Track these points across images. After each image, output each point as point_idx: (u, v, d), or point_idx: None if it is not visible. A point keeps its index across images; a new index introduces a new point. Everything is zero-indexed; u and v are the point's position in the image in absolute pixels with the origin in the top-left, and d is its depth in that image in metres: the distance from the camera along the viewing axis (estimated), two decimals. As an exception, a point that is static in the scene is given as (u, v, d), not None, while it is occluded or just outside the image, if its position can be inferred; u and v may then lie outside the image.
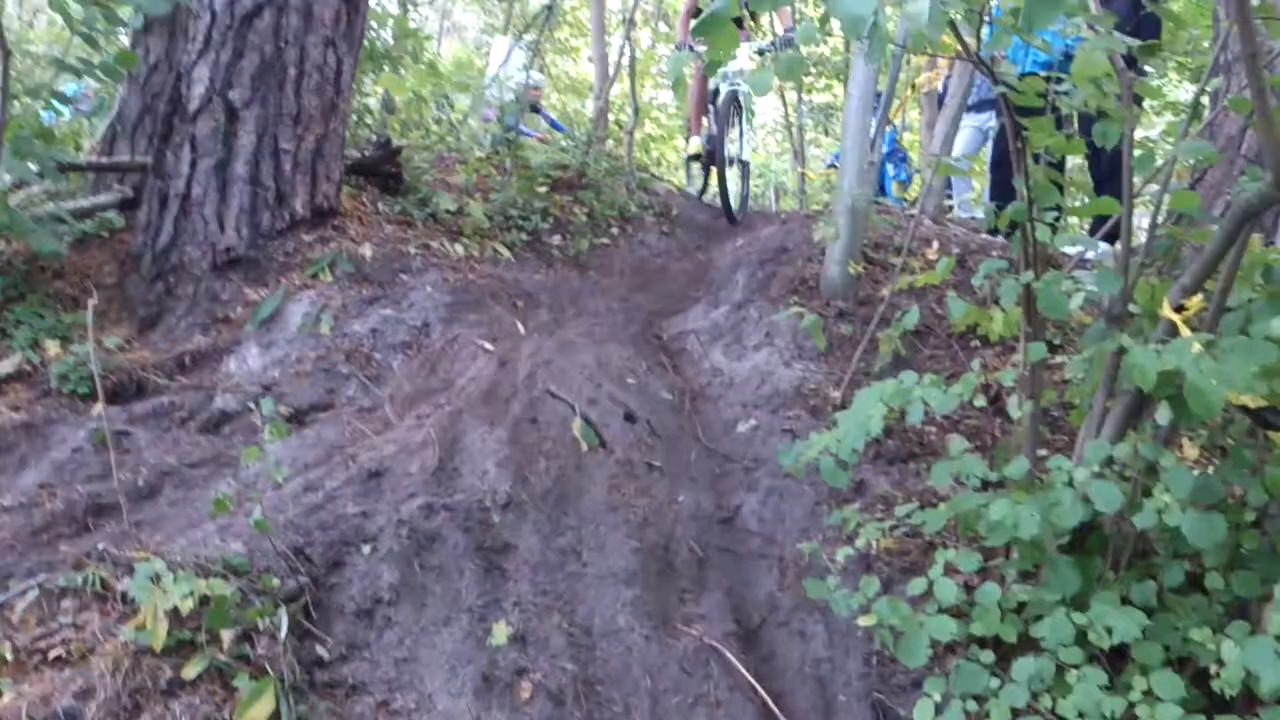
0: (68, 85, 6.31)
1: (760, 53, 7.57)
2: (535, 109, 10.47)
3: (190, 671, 2.69)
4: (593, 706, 2.92)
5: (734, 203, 7.95)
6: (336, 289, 4.71)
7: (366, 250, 5.02)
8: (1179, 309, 2.99)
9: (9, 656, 2.62)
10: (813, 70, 14.27)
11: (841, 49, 13.31)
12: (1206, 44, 9.31)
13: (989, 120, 8.32)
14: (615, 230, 6.87)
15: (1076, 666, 2.80)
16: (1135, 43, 2.98)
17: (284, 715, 2.67)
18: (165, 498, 3.68)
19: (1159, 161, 3.17)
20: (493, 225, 6.03)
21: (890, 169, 11.42)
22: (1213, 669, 2.69)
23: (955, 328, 4.95)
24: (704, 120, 8.47)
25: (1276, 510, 3.05)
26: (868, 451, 4.38)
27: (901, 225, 6.27)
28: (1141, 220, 6.10)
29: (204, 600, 2.84)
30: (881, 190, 10.23)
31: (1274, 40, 3.69)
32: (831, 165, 12.69)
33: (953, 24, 2.91)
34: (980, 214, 8.19)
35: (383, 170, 5.98)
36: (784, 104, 14.73)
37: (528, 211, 6.36)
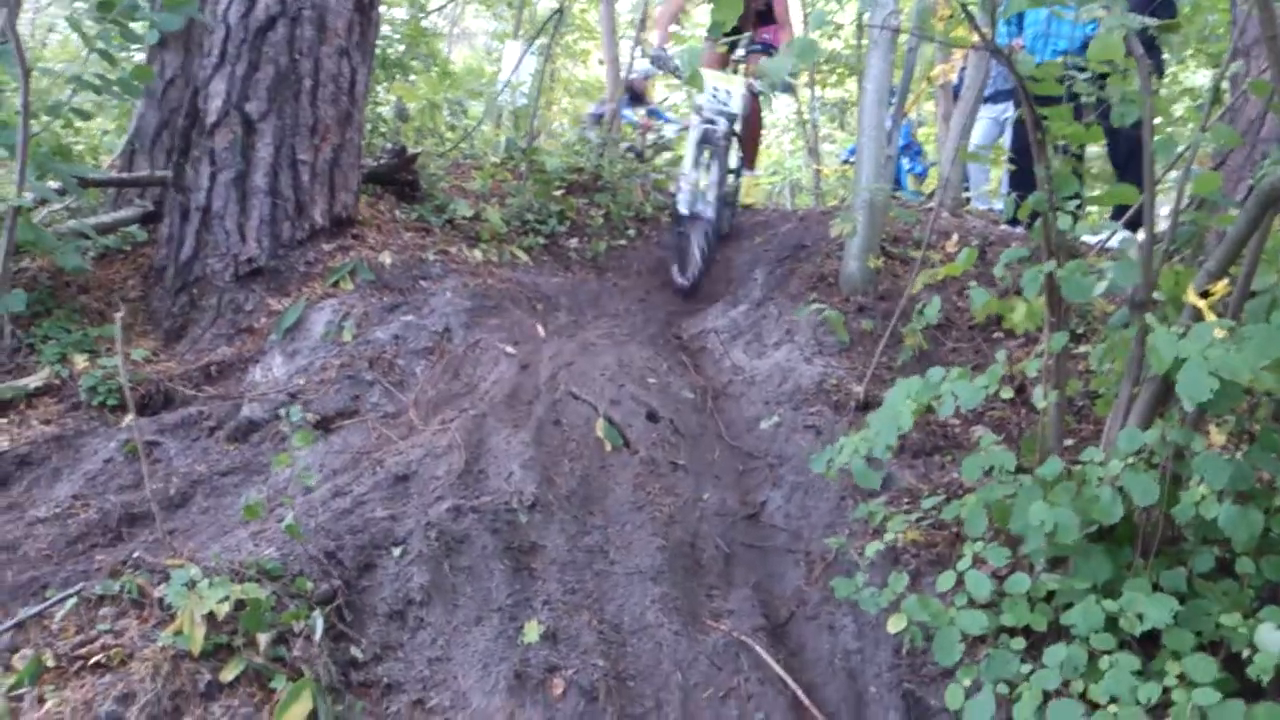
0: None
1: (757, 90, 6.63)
2: (639, 98, 10.66)
3: (228, 674, 2.72)
4: (625, 701, 2.94)
5: (683, 263, 6.03)
6: (358, 296, 4.74)
7: (386, 258, 5.06)
8: (1204, 295, 2.99)
9: (50, 664, 2.65)
10: (824, 66, 14.25)
11: (854, 43, 13.29)
12: (1223, 30, 9.28)
13: (1005, 111, 8.31)
14: (632, 231, 6.89)
15: (1109, 652, 2.80)
16: (1154, 22, 2.98)
17: (322, 715, 2.70)
18: (197, 505, 3.72)
19: (1180, 148, 3.18)
20: (510, 230, 6.06)
21: (906, 163, 11.43)
22: (1245, 654, 2.70)
23: (976, 319, 4.95)
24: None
25: (1307, 493, 3.06)
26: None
27: (920, 219, 6.28)
28: (1163, 207, 6.09)
29: (239, 605, 2.87)
30: (897, 184, 10.23)
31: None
32: (847, 161, 12.69)
33: (969, 14, 2.93)
34: (999, 205, 8.18)
35: (399, 178, 6.02)
36: (797, 100, 14.74)
37: (544, 215, 6.39)
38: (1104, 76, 3.27)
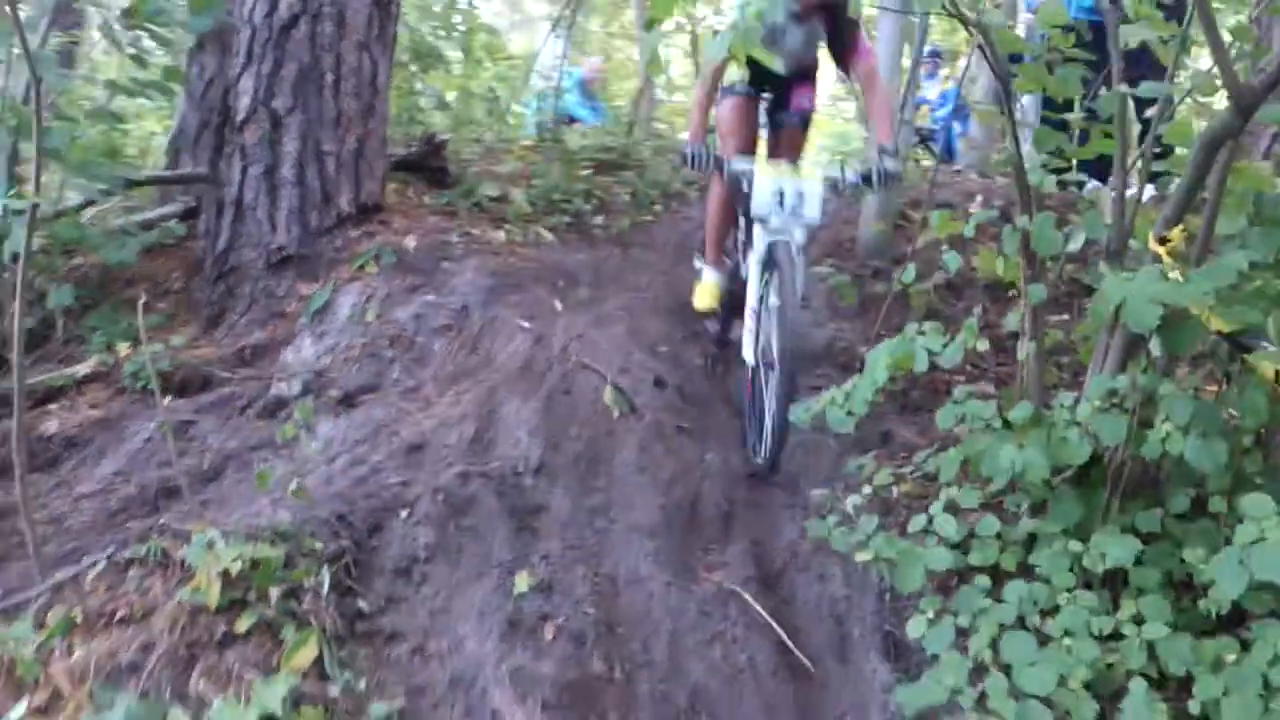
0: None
1: (848, 185, 4.31)
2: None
3: (241, 626, 2.96)
4: (612, 646, 3.12)
5: (758, 431, 4.10)
6: (382, 280, 4.97)
7: (410, 241, 5.29)
8: (1162, 241, 3.08)
9: (80, 619, 2.91)
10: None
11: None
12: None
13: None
14: (659, 208, 7.05)
15: (1070, 590, 2.93)
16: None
17: (326, 660, 2.92)
18: (228, 478, 3.98)
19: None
20: (535, 210, 6.25)
21: (957, 127, 11.33)
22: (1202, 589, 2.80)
23: (981, 277, 5.04)
24: (723, 251, 4.97)
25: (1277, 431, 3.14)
26: (894, 402, 4.52)
27: (940, 182, 6.33)
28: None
29: (254, 563, 3.11)
30: (948, 150, 10.15)
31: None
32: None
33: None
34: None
35: (428, 164, 6.25)
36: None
37: (570, 195, 6.57)
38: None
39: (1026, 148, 3.81)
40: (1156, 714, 2.56)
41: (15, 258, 4.73)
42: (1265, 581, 2.46)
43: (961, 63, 11.52)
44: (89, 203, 5.49)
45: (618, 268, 5.91)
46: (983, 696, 2.70)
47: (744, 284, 4.38)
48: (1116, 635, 2.80)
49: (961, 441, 3.46)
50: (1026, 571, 3.08)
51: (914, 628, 2.97)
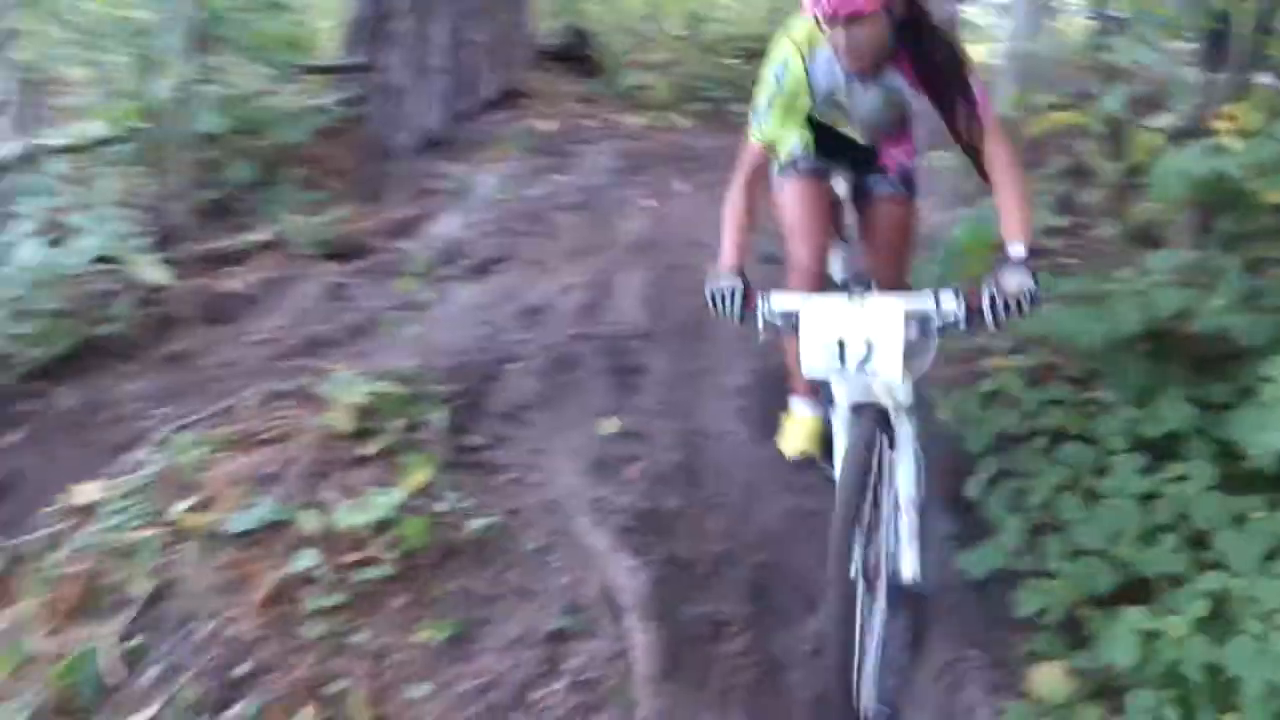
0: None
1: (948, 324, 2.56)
2: None
3: (367, 450, 3.47)
4: (689, 487, 3.50)
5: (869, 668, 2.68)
6: (520, 161, 5.40)
7: (549, 126, 5.68)
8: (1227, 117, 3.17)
9: (236, 438, 3.47)
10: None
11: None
12: None
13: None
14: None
15: (1120, 452, 3.11)
16: None
17: (438, 482, 3.41)
18: (373, 332, 4.49)
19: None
20: (675, 97, 6.53)
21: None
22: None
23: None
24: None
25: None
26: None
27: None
28: None
29: (382, 399, 3.61)
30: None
31: None
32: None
33: None
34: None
35: (574, 54, 6.60)
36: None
37: (711, 82, 6.81)
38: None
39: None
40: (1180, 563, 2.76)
41: (210, 137, 5.38)
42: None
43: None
44: (269, 89, 6.05)
45: (747, 154, 6.14)
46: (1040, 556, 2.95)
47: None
48: (1155, 494, 2.97)
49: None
50: (1084, 437, 3.27)
51: (972, 487, 3.23)
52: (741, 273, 2.91)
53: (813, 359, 2.61)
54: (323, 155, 5.90)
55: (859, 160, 3.20)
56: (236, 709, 2.70)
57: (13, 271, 4.20)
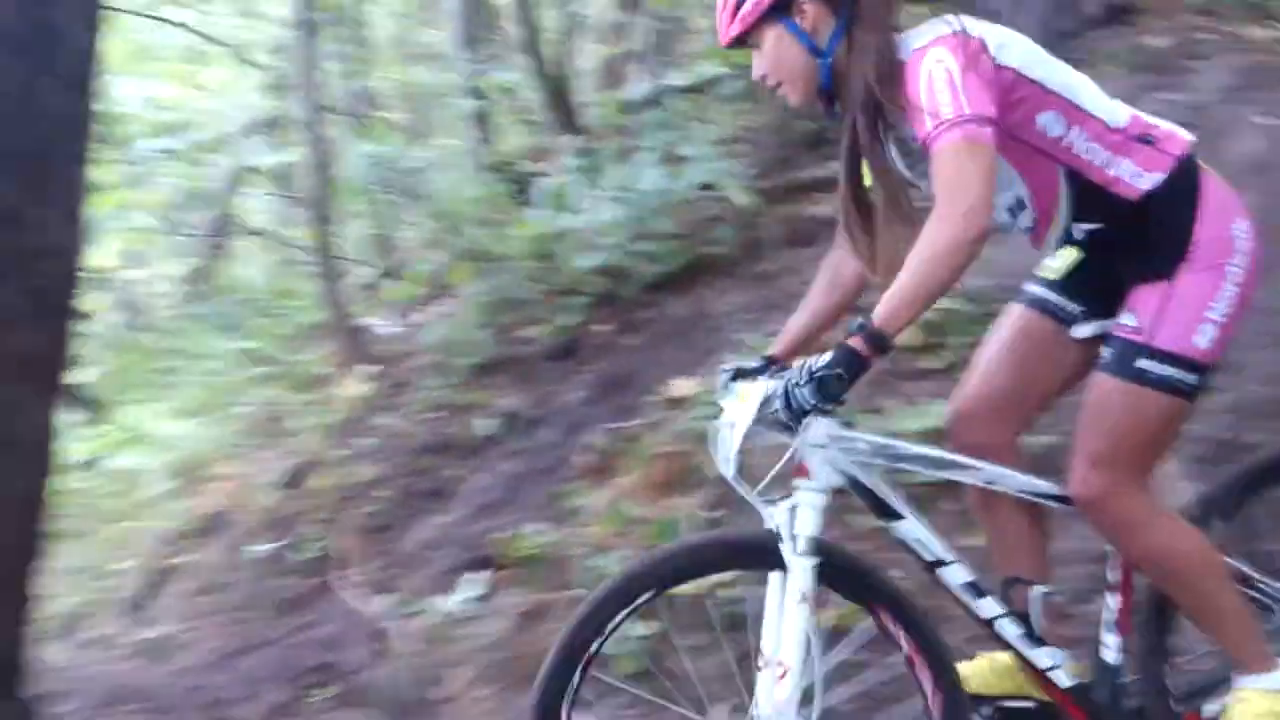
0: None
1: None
2: None
3: (931, 364, 3.62)
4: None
5: None
6: (1125, 80, 5.11)
7: (1159, 41, 5.31)
8: None
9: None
10: None
11: None
12: None
13: None
14: None
15: None
16: None
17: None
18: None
19: None
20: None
21: None
22: None
23: None
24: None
25: None
26: None
27: None
28: None
29: (950, 315, 3.74)
30: None
31: None
32: None
33: None
34: None
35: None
36: None
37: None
38: None
39: None
40: None
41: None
42: None
43: None
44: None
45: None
46: None
47: None
48: None
49: None
50: None
51: None
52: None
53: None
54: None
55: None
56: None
57: (636, 197, 4.87)
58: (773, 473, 2.10)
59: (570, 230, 5.37)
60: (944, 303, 3.75)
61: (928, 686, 2.13)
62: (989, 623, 2.18)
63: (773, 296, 4.61)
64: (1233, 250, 2.07)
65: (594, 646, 2.02)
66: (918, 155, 2.06)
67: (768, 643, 2.05)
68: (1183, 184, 2.11)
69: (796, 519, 2.04)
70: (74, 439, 6.34)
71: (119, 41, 6.48)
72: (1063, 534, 2.58)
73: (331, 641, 4.45)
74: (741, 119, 5.86)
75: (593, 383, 4.86)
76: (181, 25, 8.97)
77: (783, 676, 1.99)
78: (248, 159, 9.00)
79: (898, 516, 2.15)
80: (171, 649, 5.85)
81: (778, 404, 1.95)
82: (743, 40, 2.15)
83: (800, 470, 2.07)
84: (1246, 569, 2.28)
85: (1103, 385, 2.09)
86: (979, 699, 2.31)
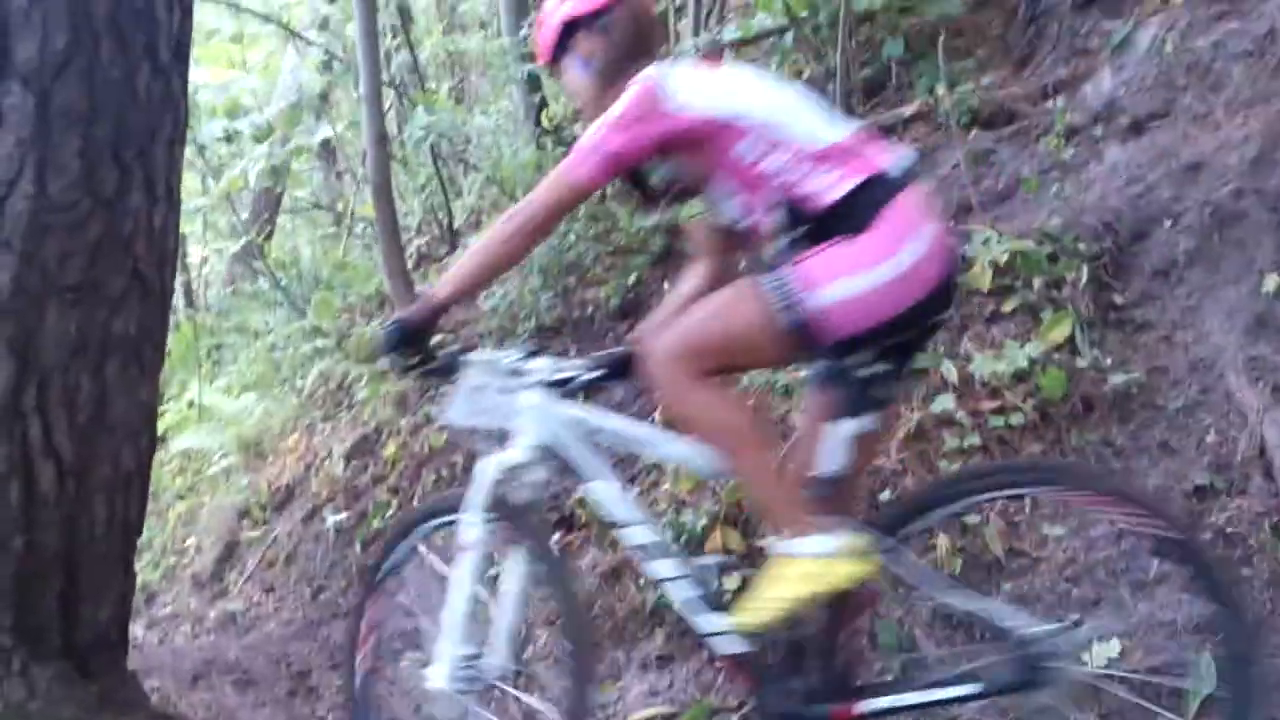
0: None
1: None
2: None
3: (1007, 306, 3.57)
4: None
5: None
6: (1186, 10, 4.98)
7: (1223, -34, 5.17)
8: None
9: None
10: None
11: None
12: None
13: None
14: None
15: None
16: None
17: (1078, 338, 3.42)
18: (1019, 197, 4.52)
19: None
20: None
21: None
22: None
23: None
24: None
25: None
26: None
27: None
28: None
29: (1021, 256, 3.67)
30: None
31: None
32: None
33: None
34: None
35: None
36: None
37: None
38: None
39: None
40: None
41: (866, 17, 5.66)
42: None
43: None
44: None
45: None
46: None
47: None
48: None
49: None
50: None
51: None
52: None
53: None
54: (975, 24, 5.90)
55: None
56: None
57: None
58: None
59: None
60: (1017, 244, 3.71)
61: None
62: (658, 584, 2.60)
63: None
64: (893, 256, 2.20)
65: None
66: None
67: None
68: (866, 200, 2.24)
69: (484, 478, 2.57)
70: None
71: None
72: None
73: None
74: (799, 68, 5.81)
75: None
76: (233, 4, 9.03)
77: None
78: (300, 137, 9.00)
79: (589, 479, 2.56)
80: (252, 621, 5.95)
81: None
82: (551, 71, 2.64)
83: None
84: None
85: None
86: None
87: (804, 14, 5.67)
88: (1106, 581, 2.97)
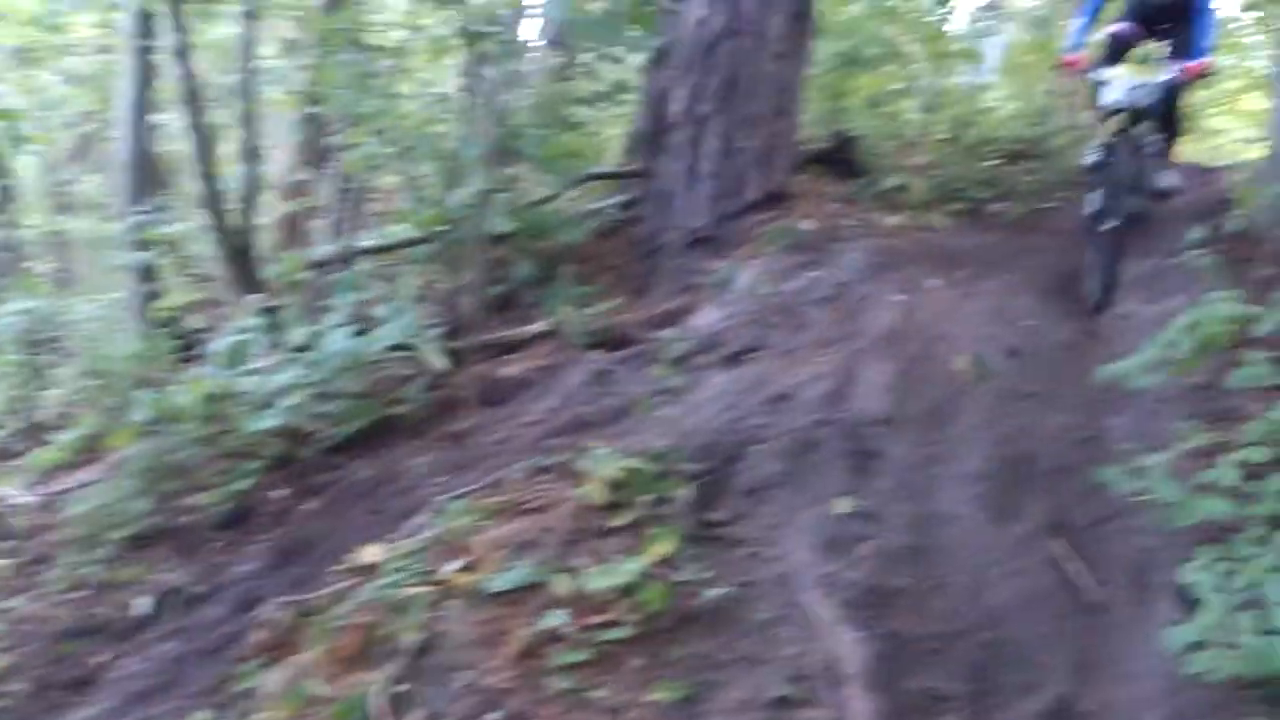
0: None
1: None
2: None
3: (617, 521, 3.79)
4: (918, 567, 3.61)
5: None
6: (777, 257, 5.69)
7: (807, 225, 5.96)
8: None
9: (502, 508, 3.88)
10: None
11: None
12: None
13: None
14: (1065, 194, 7.13)
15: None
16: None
17: (679, 553, 3.67)
18: (633, 416, 4.85)
19: None
20: (933, 198, 6.68)
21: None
22: None
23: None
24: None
25: None
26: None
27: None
28: None
29: (633, 474, 3.94)
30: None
31: None
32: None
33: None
34: None
35: (837, 157, 6.90)
36: None
37: (970, 183, 6.91)
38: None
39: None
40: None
41: (500, 238, 5.99)
42: None
43: None
44: (553, 195, 6.66)
45: (1001, 252, 6.18)
46: (1234, 633, 2.92)
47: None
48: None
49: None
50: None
51: (1188, 573, 3.20)
52: None
53: None
54: (598, 253, 6.42)
55: None
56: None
57: (321, 358, 4.84)
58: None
59: (245, 390, 5.15)
60: (629, 462, 3.98)
61: None
62: None
63: (465, 455, 4.70)
64: None
65: None
66: None
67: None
68: None
69: None
70: None
71: None
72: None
73: None
74: (431, 280, 6.02)
75: (268, 552, 4.57)
76: None
77: None
78: None
79: None
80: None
81: None
82: None
83: None
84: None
85: None
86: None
87: (442, 229, 5.91)
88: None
